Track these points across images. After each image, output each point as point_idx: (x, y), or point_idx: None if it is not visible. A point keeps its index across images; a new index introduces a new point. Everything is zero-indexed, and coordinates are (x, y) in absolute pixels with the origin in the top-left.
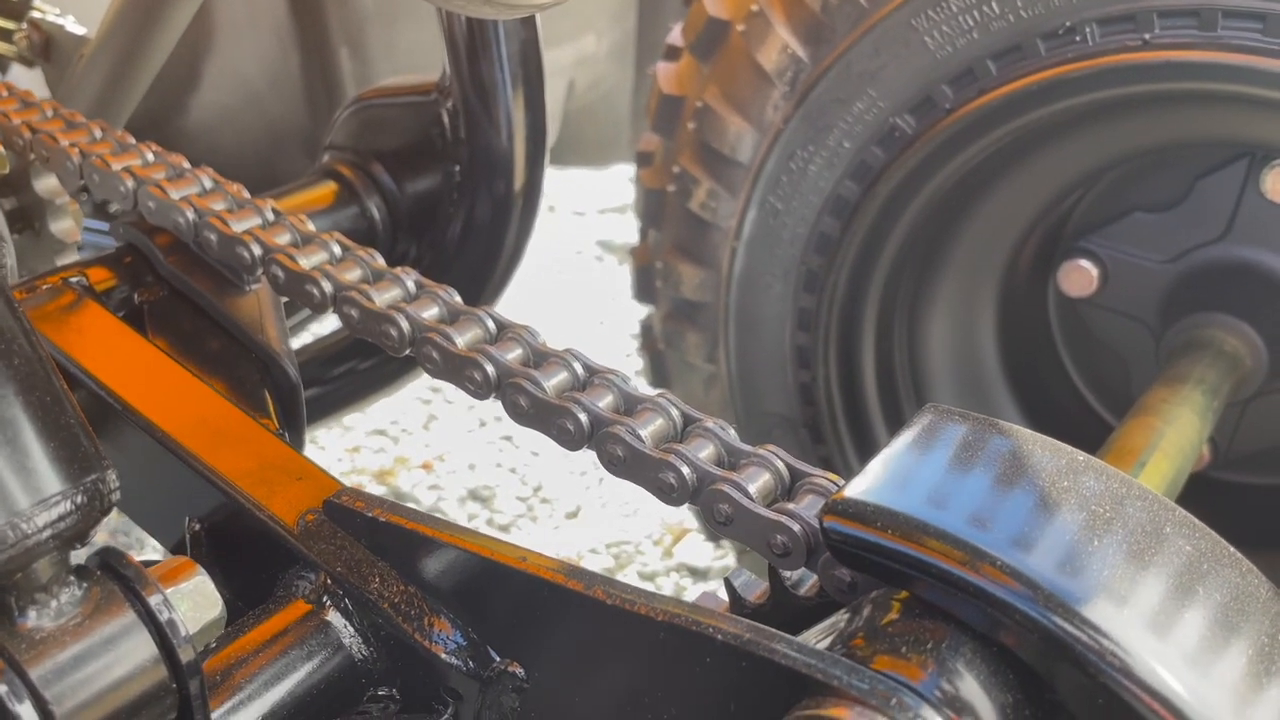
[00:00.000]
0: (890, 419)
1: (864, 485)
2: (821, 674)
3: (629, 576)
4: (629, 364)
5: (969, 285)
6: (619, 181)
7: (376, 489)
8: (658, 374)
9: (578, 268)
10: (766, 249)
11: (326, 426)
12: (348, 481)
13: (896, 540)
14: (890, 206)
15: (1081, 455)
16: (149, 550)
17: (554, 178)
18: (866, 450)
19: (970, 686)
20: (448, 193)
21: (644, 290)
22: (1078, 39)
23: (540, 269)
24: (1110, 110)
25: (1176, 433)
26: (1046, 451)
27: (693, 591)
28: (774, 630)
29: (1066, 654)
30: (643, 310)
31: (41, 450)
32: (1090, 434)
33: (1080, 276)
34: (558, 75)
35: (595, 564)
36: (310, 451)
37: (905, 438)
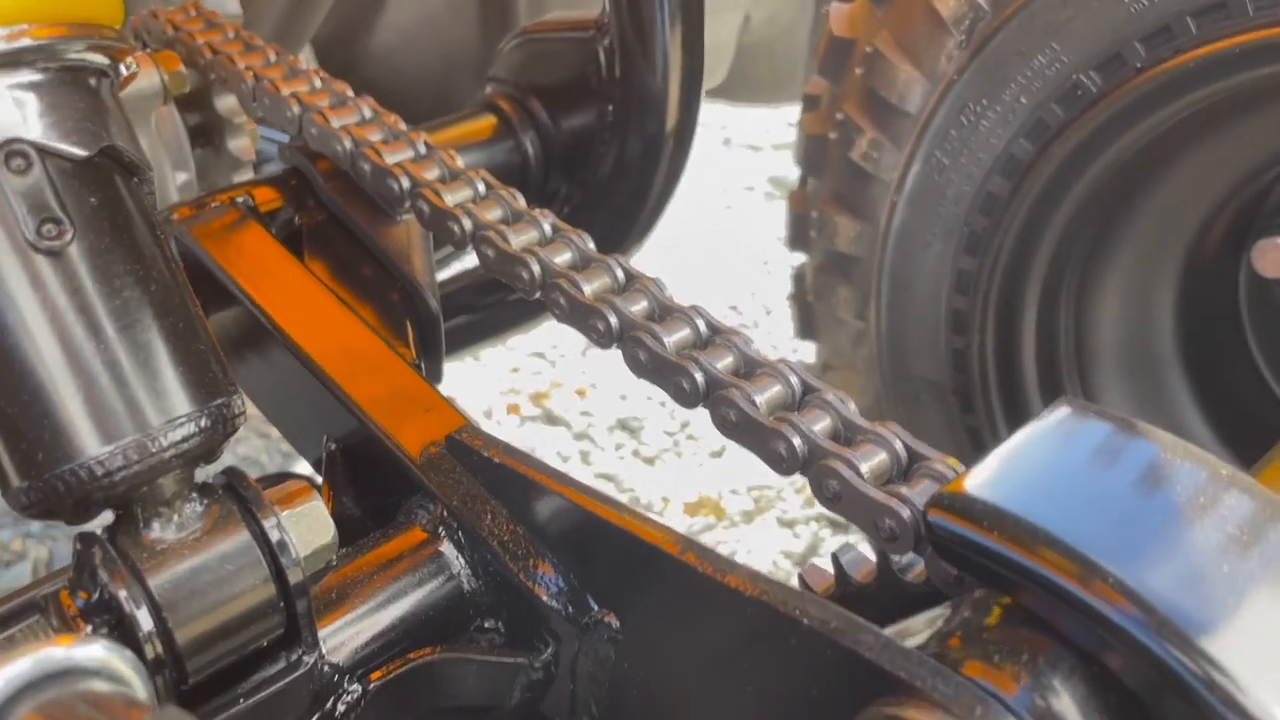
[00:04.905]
0: (1048, 393)
1: (977, 479)
2: (905, 673)
3: (768, 521)
4: (784, 310)
5: (1148, 257)
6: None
7: (532, 409)
8: (805, 327)
9: (747, 204)
10: (928, 206)
11: (491, 346)
12: (505, 400)
13: (1003, 543)
14: (1067, 169)
15: (1227, 469)
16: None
17: (730, 112)
18: (1019, 425)
19: (1064, 704)
20: (600, 131)
21: (798, 239)
22: None
23: (708, 201)
24: None
25: None
26: (1188, 461)
27: (831, 543)
28: (863, 621)
29: (1177, 686)
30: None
31: (173, 373)
32: (1271, 424)
33: (1278, 256)
34: (733, 9)
35: (735, 505)
36: (471, 367)
37: (1030, 431)
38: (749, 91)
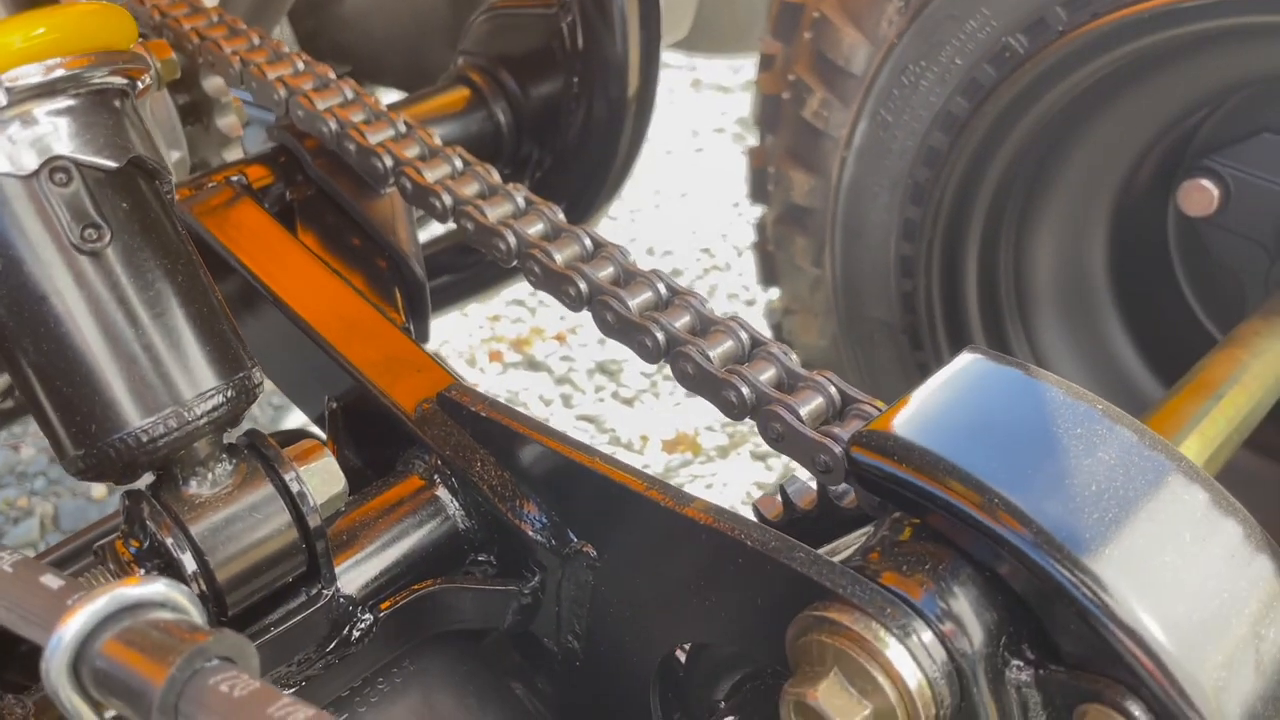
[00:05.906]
0: (990, 330)
1: (892, 420)
2: (830, 583)
3: (742, 455)
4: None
5: (1081, 202)
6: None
7: (514, 356)
8: (767, 274)
9: (717, 147)
10: (875, 160)
11: (475, 303)
12: (488, 347)
13: (912, 474)
14: (1000, 124)
15: (1109, 406)
16: None
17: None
18: None
19: (961, 605)
20: (567, 100)
21: (758, 192)
22: None
23: (680, 145)
24: (1237, 35)
25: (1263, 366)
26: (1074, 400)
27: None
28: (796, 542)
29: (1054, 589)
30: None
31: (201, 352)
32: (1197, 348)
33: (1201, 196)
34: None
35: (710, 441)
36: (454, 317)
37: (939, 376)
38: (711, 43)
